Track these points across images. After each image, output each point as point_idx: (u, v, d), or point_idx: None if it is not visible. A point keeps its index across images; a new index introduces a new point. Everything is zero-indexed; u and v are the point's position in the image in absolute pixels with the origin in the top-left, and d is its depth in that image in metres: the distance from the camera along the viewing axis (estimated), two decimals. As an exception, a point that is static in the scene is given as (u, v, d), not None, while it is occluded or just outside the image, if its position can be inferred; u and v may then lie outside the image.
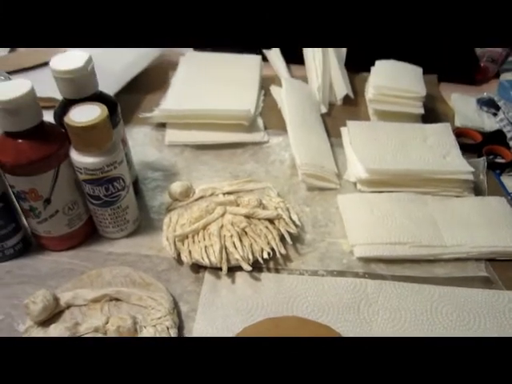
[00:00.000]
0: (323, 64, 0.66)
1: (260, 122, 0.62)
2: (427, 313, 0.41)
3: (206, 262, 0.42)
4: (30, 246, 0.46)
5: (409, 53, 0.68)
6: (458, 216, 0.49)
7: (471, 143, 0.60)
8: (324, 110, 0.64)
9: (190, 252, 0.43)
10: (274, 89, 0.67)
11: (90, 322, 0.38)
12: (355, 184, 0.53)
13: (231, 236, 0.44)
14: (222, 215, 0.45)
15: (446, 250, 0.45)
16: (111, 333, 0.37)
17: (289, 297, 0.42)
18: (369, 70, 0.67)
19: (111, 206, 0.44)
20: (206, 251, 0.43)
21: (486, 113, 0.66)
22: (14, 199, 0.43)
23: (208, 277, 0.43)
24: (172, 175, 0.54)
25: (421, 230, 0.47)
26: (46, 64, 0.65)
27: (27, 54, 0.69)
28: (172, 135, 0.59)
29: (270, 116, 0.63)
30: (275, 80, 0.69)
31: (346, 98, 0.66)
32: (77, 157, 0.40)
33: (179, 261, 0.44)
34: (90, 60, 0.41)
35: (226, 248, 0.43)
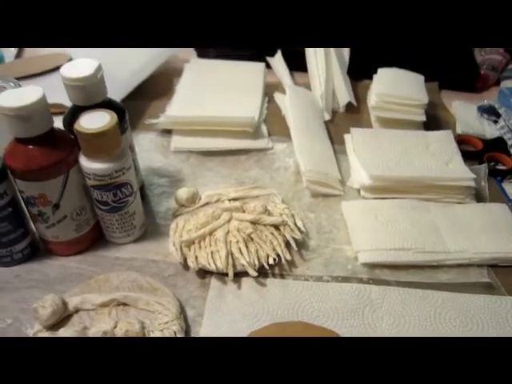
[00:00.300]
0: (326, 71, 0.67)
1: (264, 128, 0.62)
2: (431, 318, 0.41)
3: (212, 267, 0.43)
4: (38, 250, 0.47)
5: (410, 61, 0.69)
6: (460, 222, 0.49)
7: (472, 150, 0.61)
8: (327, 117, 0.65)
9: (196, 257, 0.44)
10: (277, 96, 0.67)
11: (99, 327, 0.38)
12: (359, 190, 0.54)
13: (237, 242, 0.44)
14: (228, 221, 0.46)
15: (449, 256, 0.46)
16: (120, 337, 0.37)
17: (294, 302, 0.42)
18: (371, 78, 0.68)
19: (119, 212, 0.44)
20: (212, 257, 0.43)
21: (487, 120, 0.66)
22: (23, 204, 0.43)
23: (214, 282, 0.44)
24: (178, 181, 0.55)
25: (424, 236, 0.47)
26: (52, 70, 0.66)
27: (34, 60, 0.70)
28: (178, 141, 0.60)
29: (273, 123, 0.64)
30: (279, 87, 0.70)
31: (349, 105, 0.67)
32: (86, 163, 0.41)
33: (185, 266, 0.45)
34: (99, 68, 0.42)
35: (232, 254, 0.44)
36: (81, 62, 0.42)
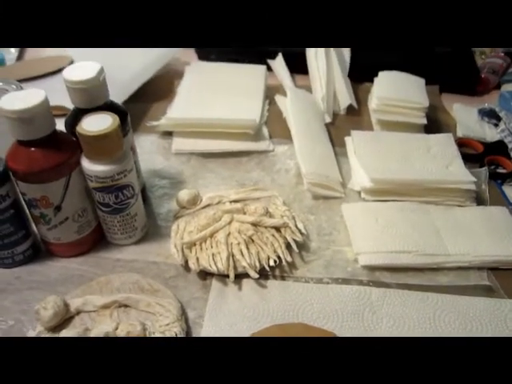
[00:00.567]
0: (327, 74, 0.67)
1: (265, 130, 0.63)
2: (430, 320, 0.41)
3: (213, 269, 0.43)
4: (39, 252, 0.47)
5: (411, 64, 0.69)
6: (460, 225, 0.50)
7: (473, 153, 0.61)
8: (328, 119, 0.65)
9: (197, 259, 0.44)
10: (278, 98, 0.68)
11: (100, 328, 0.38)
12: (359, 193, 0.54)
13: (238, 244, 0.44)
14: (229, 223, 0.46)
15: (449, 259, 0.46)
16: (121, 338, 0.37)
17: (294, 304, 0.43)
18: (372, 81, 0.68)
19: (120, 214, 0.45)
20: (213, 258, 0.44)
21: (488, 123, 0.67)
22: (25, 206, 0.44)
23: (215, 284, 0.44)
24: (179, 183, 0.55)
25: (424, 238, 0.47)
26: (54, 73, 0.66)
27: (35, 63, 0.70)
28: (179, 143, 0.60)
29: (274, 125, 0.64)
30: (280, 89, 0.71)
31: (350, 108, 0.67)
32: (88, 165, 0.41)
33: (187, 268, 0.45)
34: (101, 70, 0.42)
35: (233, 255, 0.44)
36: (83, 65, 0.42)
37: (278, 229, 0.47)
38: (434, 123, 0.65)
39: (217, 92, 0.67)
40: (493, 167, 0.59)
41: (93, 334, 0.38)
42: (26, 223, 0.45)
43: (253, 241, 0.45)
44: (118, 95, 0.54)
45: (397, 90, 0.64)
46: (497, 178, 0.58)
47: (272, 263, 0.44)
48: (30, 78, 0.65)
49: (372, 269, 0.46)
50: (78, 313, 0.41)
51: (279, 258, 0.45)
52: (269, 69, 0.74)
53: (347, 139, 0.61)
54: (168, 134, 0.62)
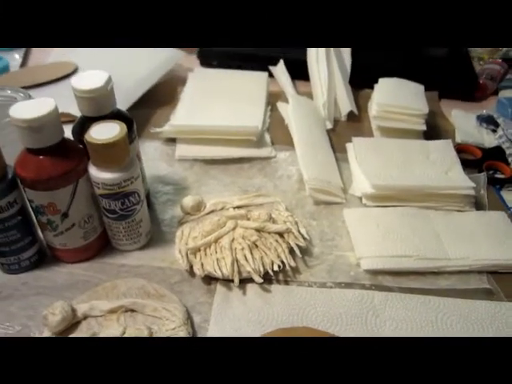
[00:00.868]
0: (328, 81, 0.68)
1: (267, 137, 0.63)
2: (432, 323, 0.42)
3: (218, 274, 0.44)
4: (45, 258, 0.47)
5: (411, 70, 0.70)
6: (460, 230, 0.50)
7: (472, 159, 0.62)
8: (329, 125, 0.66)
9: (202, 264, 0.45)
10: (280, 105, 0.68)
11: (108, 333, 0.39)
12: (360, 198, 0.55)
13: (242, 249, 0.45)
14: (233, 229, 0.47)
15: (450, 263, 0.47)
16: (128, 343, 0.38)
17: (298, 308, 0.43)
18: (372, 87, 0.69)
19: (126, 220, 0.45)
20: (218, 264, 0.44)
21: (486, 129, 0.68)
22: (32, 213, 0.44)
23: (220, 288, 0.45)
24: (182, 189, 0.56)
25: (425, 243, 0.48)
26: (58, 79, 0.67)
27: (40, 69, 0.71)
28: (182, 150, 0.61)
29: (276, 131, 0.65)
30: (281, 96, 0.71)
31: (350, 114, 0.68)
32: (95, 172, 0.42)
33: (191, 273, 0.46)
34: (109, 80, 0.43)
35: (237, 260, 0.44)
36: (91, 74, 0.43)
37: (281, 234, 0.47)
38: (433, 129, 0.66)
39: (219, 98, 0.68)
40: (491, 172, 0.60)
41: (101, 339, 0.38)
42: (33, 229, 0.45)
43: (257, 246, 0.46)
44: (122, 102, 0.54)
45: (396, 97, 0.65)
46: (495, 183, 0.58)
47: (276, 268, 0.45)
48: (35, 85, 0.66)
49: (374, 273, 0.47)
50: (85, 318, 0.41)
51: (283, 262, 0.45)
52: (270, 75, 0.75)
53: (348, 145, 0.61)
54: (171, 141, 0.62)
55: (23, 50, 0.79)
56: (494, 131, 0.66)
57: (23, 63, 0.78)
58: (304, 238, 0.48)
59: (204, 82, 0.72)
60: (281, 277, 0.46)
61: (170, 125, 0.62)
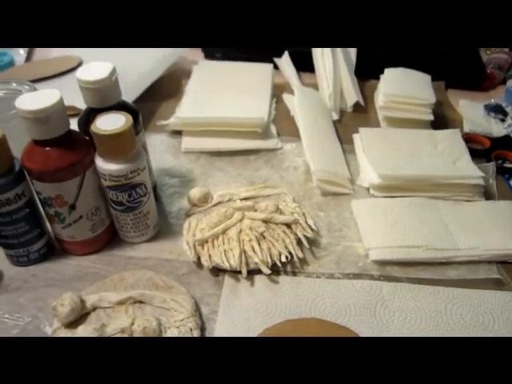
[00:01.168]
0: (334, 72, 0.68)
1: (273, 128, 0.63)
2: (442, 314, 0.42)
3: (226, 265, 0.44)
4: (54, 250, 0.48)
5: (417, 60, 0.70)
6: (469, 220, 0.50)
7: (480, 148, 0.61)
8: (335, 116, 0.65)
9: (210, 256, 0.45)
10: (286, 97, 0.68)
11: (117, 323, 0.39)
12: (368, 189, 0.54)
13: (250, 240, 0.45)
14: (241, 220, 0.47)
15: (459, 253, 0.47)
16: (137, 333, 0.38)
17: (307, 299, 0.43)
18: (378, 78, 0.69)
19: (133, 212, 0.45)
20: (225, 255, 0.44)
21: (494, 118, 0.67)
22: (40, 205, 0.44)
23: (228, 280, 0.45)
24: (189, 181, 0.56)
25: (433, 233, 0.48)
26: (63, 73, 0.67)
27: (44, 64, 0.71)
28: (188, 142, 0.61)
29: (282, 123, 0.65)
30: (286, 88, 0.71)
31: (357, 105, 0.67)
32: (102, 164, 0.42)
33: (199, 264, 0.46)
34: (114, 71, 0.43)
35: (245, 252, 0.44)
36: (96, 65, 0.43)
37: (288, 225, 0.47)
38: (441, 119, 0.66)
39: (224, 91, 0.68)
40: (500, 162, 0.60)
41: (109, 330, 0.38)
42: (41, 222, 0.45)
43: (264, 237, 0.46)
44: (127, 95, 0.54)
45: (403, 87, 0.64)
46: (504, 172, 0.58)
47: (284, 259, 0.45)
48: (40, 79, 0.66)
49: (383, 263, 0.46)
50: (94, 309, 0.41)
51: (290, 254, 0.45)
52: (275, 67, 0.74)
53: (355, 136, 0.61)
54: (177, 133, 0.62)
55: (28, 44, 0.79)
56: (503, 120, 0.66)
57: (28, 58, 0.77)
58: (312, 229, 0.48)
59: (209, 75, 0.72)
60: (289, 268, 0.46)
61: (176, 117, 0.61)
